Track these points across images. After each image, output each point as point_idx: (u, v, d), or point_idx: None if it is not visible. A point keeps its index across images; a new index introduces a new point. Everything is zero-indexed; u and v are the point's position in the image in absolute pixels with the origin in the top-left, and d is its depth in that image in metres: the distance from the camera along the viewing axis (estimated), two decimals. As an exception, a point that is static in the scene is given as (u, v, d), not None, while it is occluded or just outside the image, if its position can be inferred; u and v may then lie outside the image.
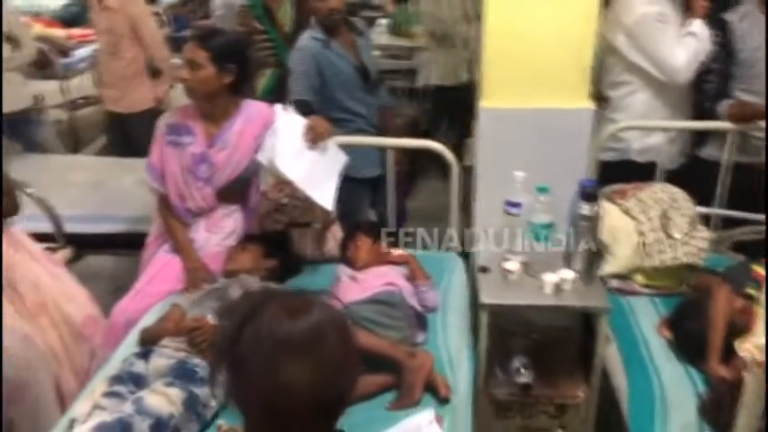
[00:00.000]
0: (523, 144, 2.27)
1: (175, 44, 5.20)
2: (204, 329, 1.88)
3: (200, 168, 2.34)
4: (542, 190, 2.14)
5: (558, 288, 2.13)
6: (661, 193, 2.42)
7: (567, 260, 2.20)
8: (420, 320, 2.09)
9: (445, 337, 2.08)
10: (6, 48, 3.50)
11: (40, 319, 2.19)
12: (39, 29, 5.01)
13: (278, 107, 2.36)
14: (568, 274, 2.14)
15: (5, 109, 3.54)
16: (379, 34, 5.48)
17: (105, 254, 3.17)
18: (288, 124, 2.31)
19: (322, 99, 2.75)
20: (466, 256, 2.54)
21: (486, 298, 2.13)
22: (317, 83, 2.74)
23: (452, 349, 2.03)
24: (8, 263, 2.22)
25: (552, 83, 2.25)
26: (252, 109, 2.39)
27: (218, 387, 1.72)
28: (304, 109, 2.49)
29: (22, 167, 3.31)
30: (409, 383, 1.79)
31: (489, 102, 2.30)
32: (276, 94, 3.02)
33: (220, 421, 1.71)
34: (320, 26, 2.77)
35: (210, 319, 1.93)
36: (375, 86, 2.97)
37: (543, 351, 2.36)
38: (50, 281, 2.27)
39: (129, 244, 2.92)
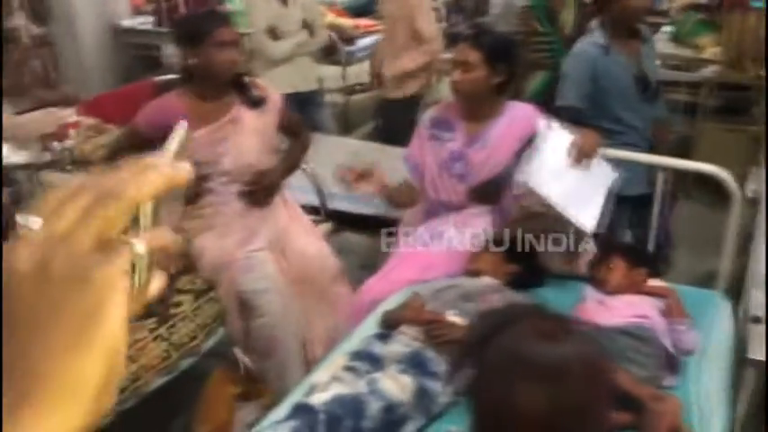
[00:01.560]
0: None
1: (450, 40, 5.36)
2: (440, 324, 1.90)
3: (456, 166, 2.36)
4: None
5: None
6: None
7: None
8: (671, 362, 1.89)
9: (698, 387, 1.85)
10: (304, 33, 3.85)
11: (300, 287, 2.39)
12: (330, 18, 5.47)
13: (542, 123, 2.27)
14: None
15: (296, 89, 3.91)
16: (661, 42, 5.08)
17: (359, 232, 3.37)
18: (551, 142, 2.23)
19: (593, 107, 2.61)
20: (735, 298, 2.25)
21: (756, 353, 1.85)
22: (589, 90, 2.61)
23: (705, 402, 1.80)
24: (283, 229, 2.46)
25: None
26: (516, 110, 2.35)
27: (451, 385, 1.74)
28: (573, 116, 2.38)
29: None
30: (651, 427, 1.63)
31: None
32: (546, 97, 2.93)
33: (452, 428, 1.69)
34: (603, 30, 2.62)
35: (449, 314, 1.94)
36: (654, 98, 2.74)
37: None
38: (315, 254, 2.46)
39: (380, 226, 3.08)
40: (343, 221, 3.12)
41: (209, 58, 2.19)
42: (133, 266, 0.41)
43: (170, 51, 6.11)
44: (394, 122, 4.04)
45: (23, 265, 0.37)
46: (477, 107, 2.34)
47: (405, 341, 1.88)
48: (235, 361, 2.31)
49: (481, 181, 2.37)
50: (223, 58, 2.19)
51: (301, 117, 2.84)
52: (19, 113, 4.00)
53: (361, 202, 3.14)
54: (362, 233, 3.43)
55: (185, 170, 0.44)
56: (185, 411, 2.41)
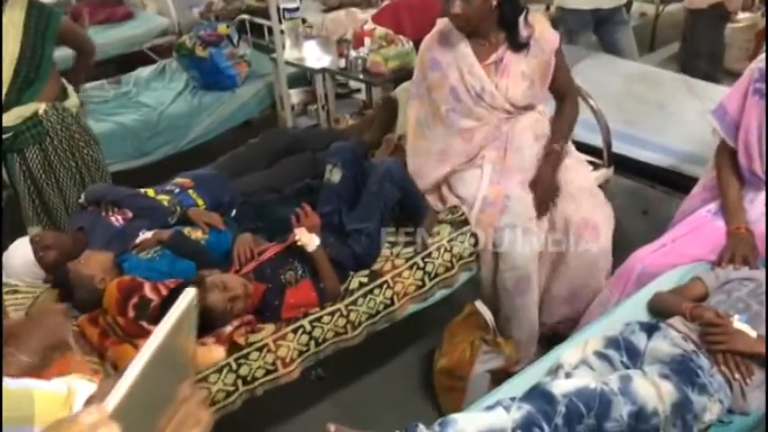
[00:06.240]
0: None
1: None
2: (723, 329, 1.61)
3: None
4: None
5: None
6: None
7: None
8: None
9: None
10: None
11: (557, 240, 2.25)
12: None
13: None
14: None
15: (599, 5, 3.48)
16: None
17: (637, 181, 2.96)
18: None
19: None
20: None
21: None
22: None
23: None
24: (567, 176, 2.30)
25: None
26: None
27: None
28: None
29: (592, 69, 3.25)
30: None
31: None
32: None
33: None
34: None
35: (736, 320, 1.63)
36: None
37: None
38: (590, 200, 2.29)
39: (666, 180, 2.69)
40: (622, 167, 2.74)
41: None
42: None
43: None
44: (696, 41, 3.47)
45: None
46: None
47: (674, 339, 1.63)
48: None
49: None
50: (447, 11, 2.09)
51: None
52: (325, 11, 4.23)
53: (646, 148, 2.74)
54: (643, 182, 2.99)
55: None
56: (430, 337, 2.45)
